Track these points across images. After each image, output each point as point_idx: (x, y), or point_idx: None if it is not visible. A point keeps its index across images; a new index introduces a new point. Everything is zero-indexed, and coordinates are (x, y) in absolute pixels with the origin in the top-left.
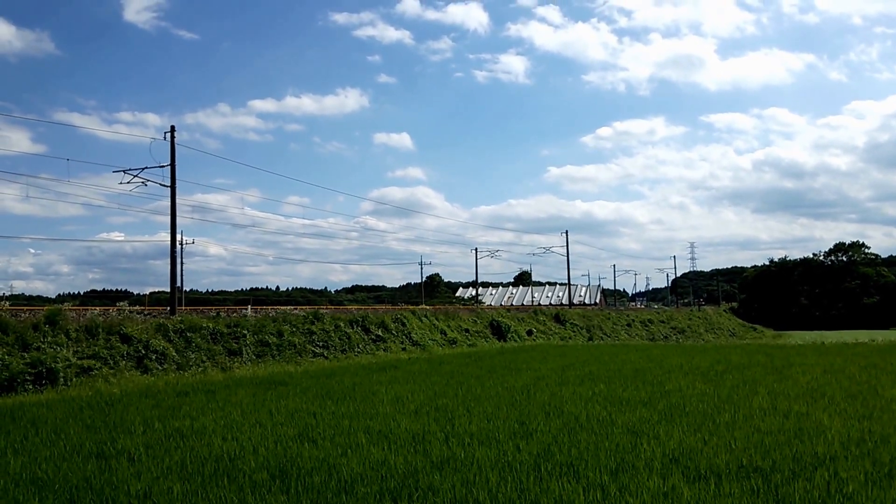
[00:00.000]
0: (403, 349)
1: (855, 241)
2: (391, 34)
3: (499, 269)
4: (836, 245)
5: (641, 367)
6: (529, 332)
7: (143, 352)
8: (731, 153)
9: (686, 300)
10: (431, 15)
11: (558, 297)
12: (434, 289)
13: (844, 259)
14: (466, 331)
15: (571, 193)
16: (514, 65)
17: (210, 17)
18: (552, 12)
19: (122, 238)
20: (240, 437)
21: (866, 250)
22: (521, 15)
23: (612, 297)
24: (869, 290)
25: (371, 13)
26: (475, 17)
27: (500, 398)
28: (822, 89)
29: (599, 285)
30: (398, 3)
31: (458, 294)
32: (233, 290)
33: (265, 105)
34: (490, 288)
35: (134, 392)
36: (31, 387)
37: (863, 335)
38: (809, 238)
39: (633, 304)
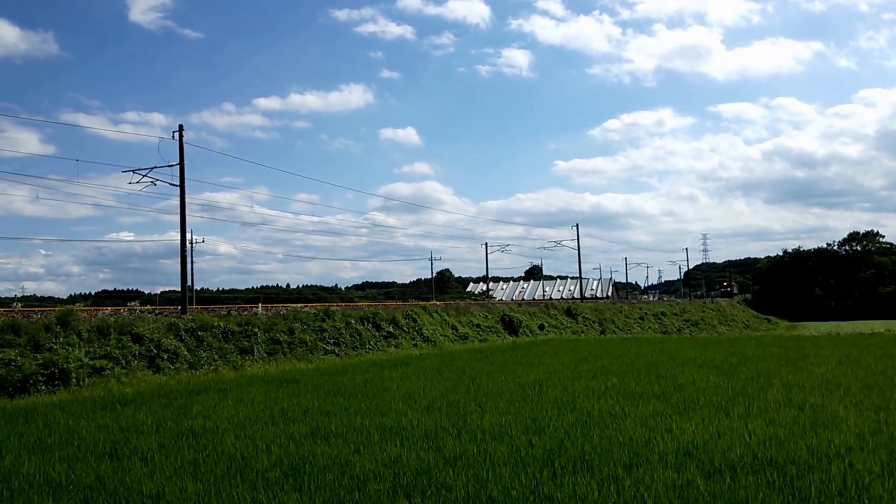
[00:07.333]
0: (414, 345)
1: (869, 230)
2: (393, 29)
3: (509, 263)
4: (850, 234)
5: (654, 360)
6: (541, 327)
7: (155, 351)
8: (741, 143)
9: (699, 292)
10: (432, 10)
11: (570, 291)
12: (444, 284)
13: (859, 248)
14: (478, 326)
15: (580, 186)
16: (517, 59)
17: (213, 16)
18: (554, 5)
19: (132, 238)
20: (252, 436)
21: (881, 239)
22: (523, 8)
23: (624, 290)
24: (884, 280)
25: (372, 9)
26: (476, 12)
27: (513, 393)
28: (831, 78)
29: (611, 279)
30: None
31: (468, 289)
32: (243, 288)
33: (270, 103)
34: (501, 283)
35: (146, 392)
36: (43, 387)
37: (878, 325)
38: (823, 227)
39: (646, 296)
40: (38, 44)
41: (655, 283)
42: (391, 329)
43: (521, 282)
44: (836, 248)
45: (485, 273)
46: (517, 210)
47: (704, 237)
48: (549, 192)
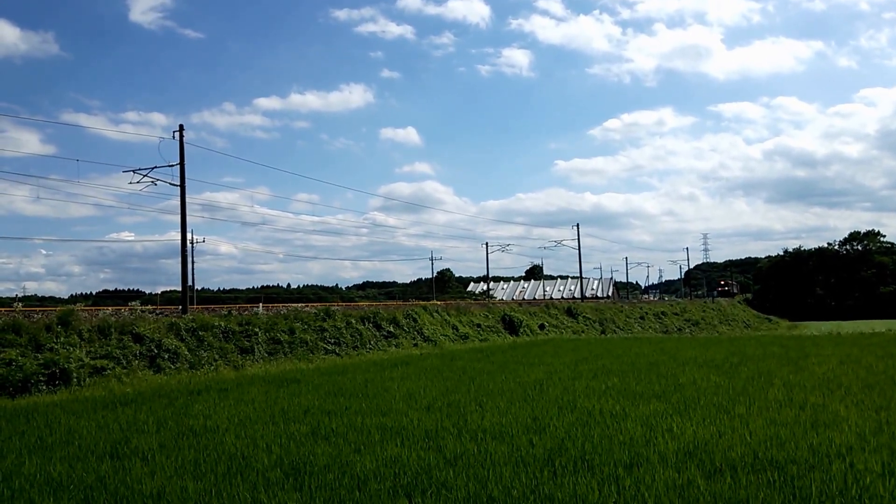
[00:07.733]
0: (415, 345)
1: (870, 229)
2: (393, 29)
3: (510, 263)
4: (851, 234)
5: (655, 360)
6: (542, 327)
7: (156, 351)
8: (741, 143)
9: (699, 292)
10: (432, 10)
11: (570, 290)
12: (445, 284)
13: (860, 248)
14: (478, 326)
15: (580, 186)
16: (517, 58)
17: (214, 16)
18: (554, 5)
19: (133, 238)
20: (253, 436)
21: (882, 239)
22: (523, 8)
23: (625, 289)
24: (885, 279)
25: (372, 9)
26: (476, 12)
27: (513, 393)
28: (832, 77)
29: (612, 278)
30: None
31: (469, 289)
32: (244, 288)
33: (270, 103)
34: (501, 282)
35: (147, 391)
36: (44, 387)
37: (879, 325)
38: (824, 227)
39: (646, 296)
40: (38, 44)
41: (656, 282)
42: (392, 329)
43: (522, 281)
44: (836, 247)
45: (485, 273)
46: (517, 210)
47: (705, 237)
48: (549, 192)
